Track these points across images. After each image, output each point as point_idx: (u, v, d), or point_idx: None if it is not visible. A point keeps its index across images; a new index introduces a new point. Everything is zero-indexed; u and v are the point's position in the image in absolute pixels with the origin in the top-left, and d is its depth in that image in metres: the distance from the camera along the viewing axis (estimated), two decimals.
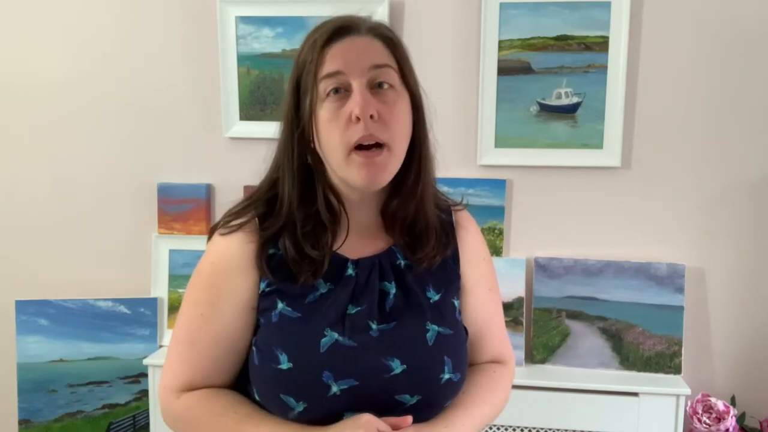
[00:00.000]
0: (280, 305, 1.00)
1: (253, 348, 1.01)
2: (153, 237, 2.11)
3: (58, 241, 2.16)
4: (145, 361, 1.98)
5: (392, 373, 0.97)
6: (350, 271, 1.03)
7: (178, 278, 2.09)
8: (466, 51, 1.97)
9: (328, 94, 0.97)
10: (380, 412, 0.97)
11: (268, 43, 2.03)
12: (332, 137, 0.97)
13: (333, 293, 1.01)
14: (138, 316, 2.09)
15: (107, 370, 2.09)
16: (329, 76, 0.96)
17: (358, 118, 0.94)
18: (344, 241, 1.04)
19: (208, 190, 2.10)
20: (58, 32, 2.11)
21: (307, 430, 0.96)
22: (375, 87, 0.97)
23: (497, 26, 1.93)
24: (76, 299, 2.09)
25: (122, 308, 2.10)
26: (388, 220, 1.06)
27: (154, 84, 2.09)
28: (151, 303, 2.09)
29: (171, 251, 2.10)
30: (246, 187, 2.02)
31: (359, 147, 0.96)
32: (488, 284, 1.15)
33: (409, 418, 0.95)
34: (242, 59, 2.03)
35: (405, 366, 0.97)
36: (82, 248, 2.16)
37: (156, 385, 1.96)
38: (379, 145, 0.96)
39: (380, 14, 1.93)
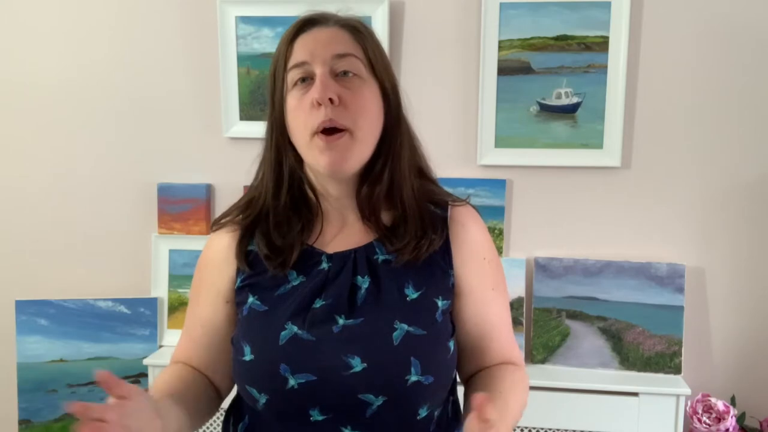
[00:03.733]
0: (250, 299, 1.03)
1: (232, 342, 1.05)
2: (153, 237, 2.11)
3: (58, 241, 2.16)
4: (145, 361, 1.99)
5: (352, 371, 0.95)
6: (323, 265, 1.03)
7: (178, 278, 2.09)
8: (466, 51, 1.97)
9: (295, 84, 1.00)
10: (344, 410, 0.96)
11: (268, 43, 2.03)
12: (297, 124, 1.00)
13: (302, 286, 1.02)
14: (138, 316, 2.09)
15: (107, 370, 2.08)
16: (295, 66, 1.00)
17: (319, 103, 0.97)
18: (320, 234, 1.05)
19: (208, 190, 2.10)
20: (58, 32, 2.11)
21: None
22: (339, 75, 1.00)
23: (497, 26, 1.93)
24: (76, 299, 2.09)
25: (122, 308, 2.10)
26: (364, 209, 1.05)
27: (154, 84, 2.09)
28: (151, 303, 2.10)
29: (171, 251, 2.10)
30: (246, 187, 2.01)
31: (321, 132, 0.98)
32: (491, 285, 1.09)
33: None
34: (242, 59, 2.04)
35: (365, 364, 0.95)
36: (82, 248, 2.16)
37: None
38: (340, 130, 0.98)
39: (380, 14, 1.93)
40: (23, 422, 2.07)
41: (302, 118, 0.99)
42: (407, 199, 1.05)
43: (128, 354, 2.08)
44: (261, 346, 0.99)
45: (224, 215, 1.10)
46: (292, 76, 1.00)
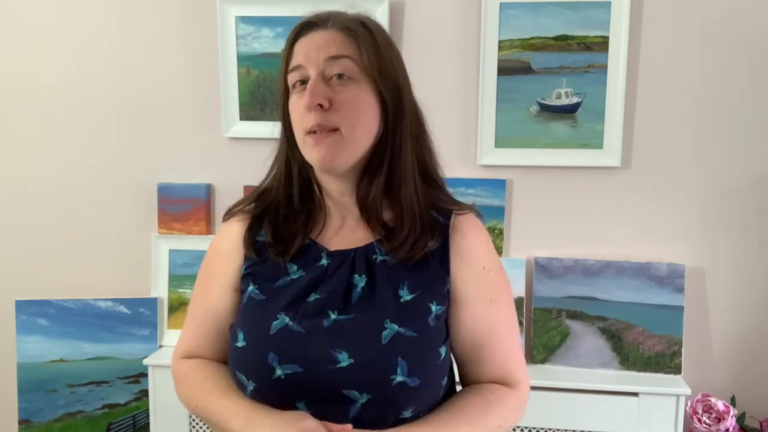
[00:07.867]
0: (251, 287, 1.06)
1: (230, 329, 1.08)
2: (153, 237, 2.11)
3: (58, 241, 2.16)
4: (145, 361, 1.98)
5: (338, 365, 0.96)
6: (323, 261, 1.06)
7: (178, 278, 2.09)
8: (466, 51, 1.97)
9: (294, 86, 1.05)
10: (329, 405, 0.97)
11: (268, 43, 2.03)
12: (295, 124, 1.05)
13: (301, 280, 1.04)
14: (138, 316, 2.09)
15: (107, 370, 2.09)
16: (293, 69, 1.04)
17: (309, 108, 1.00)
18: (322, 229, 1.09)
19: (208, 190, 2.10)
20: (58, 32, 2.11)
21: (259, 409, 0.99)
22: (334, 78, 1.02)
23: (497, 26, 1.93)
24: (76, 299, 2.09)
25: (122, 308, 2.10)
26: (363, 206, 1.07)
27: (154, 84, 2.09)
28: (151, 303, 2.10)
29: (171, 251, 2.10)
30: (246, 187, 2.02)
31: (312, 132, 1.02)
32: (489, 296, 1.07)
33: (348, 426, 0.94)
34: (242, 59, 2.04)
35: (352, 360, 0.96)
36: (82, 248, 2.16)
37: (156, 386, 1.96)
38: (330, 129, 1.01)
39: (380, 14, 1.92)
40: (23, 422, 2.07)
41: (298, 119, 1.03)
42: (407, 198, 1.05)
43: (128, 354, 2.08)
44: (253, 334, 1.02)
45: (236, 205, 1.14)
46: (291, 79, 1.05)
